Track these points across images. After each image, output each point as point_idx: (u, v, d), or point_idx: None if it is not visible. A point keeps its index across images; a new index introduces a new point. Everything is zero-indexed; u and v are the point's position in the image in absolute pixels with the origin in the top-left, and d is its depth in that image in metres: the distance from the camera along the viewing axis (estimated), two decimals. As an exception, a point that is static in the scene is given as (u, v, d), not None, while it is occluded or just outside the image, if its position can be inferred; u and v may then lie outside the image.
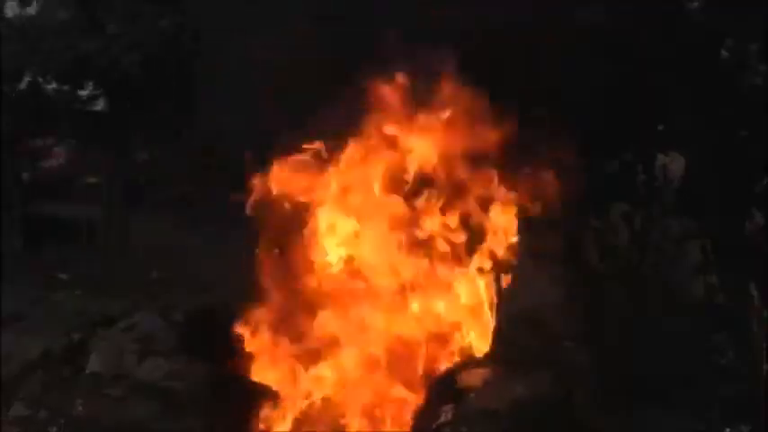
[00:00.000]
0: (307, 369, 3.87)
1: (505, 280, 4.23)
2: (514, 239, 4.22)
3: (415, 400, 3.71)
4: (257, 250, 3.89)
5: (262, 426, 3.88)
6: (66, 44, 5.72)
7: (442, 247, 3.92)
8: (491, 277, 4.19)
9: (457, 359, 3.80)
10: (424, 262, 3.91)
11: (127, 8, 5.72)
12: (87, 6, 5.90)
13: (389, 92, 3.78)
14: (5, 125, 5.91)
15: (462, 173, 3.88)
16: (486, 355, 3.73)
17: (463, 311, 3.98)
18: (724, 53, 3.92)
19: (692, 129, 4.00)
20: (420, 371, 3.77)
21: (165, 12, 5.64)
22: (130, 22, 5.63)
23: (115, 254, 5.85)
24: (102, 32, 5.67)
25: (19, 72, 5.92)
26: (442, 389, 3.59)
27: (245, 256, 4.02)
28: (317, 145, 3.86)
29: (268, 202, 3.84)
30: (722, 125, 3.94)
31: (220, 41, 4.25)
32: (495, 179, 3.91)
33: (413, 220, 3.89)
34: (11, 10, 6.24)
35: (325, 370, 3.86)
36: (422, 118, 3.81)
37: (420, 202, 3.88)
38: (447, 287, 3.97)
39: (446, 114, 3.79)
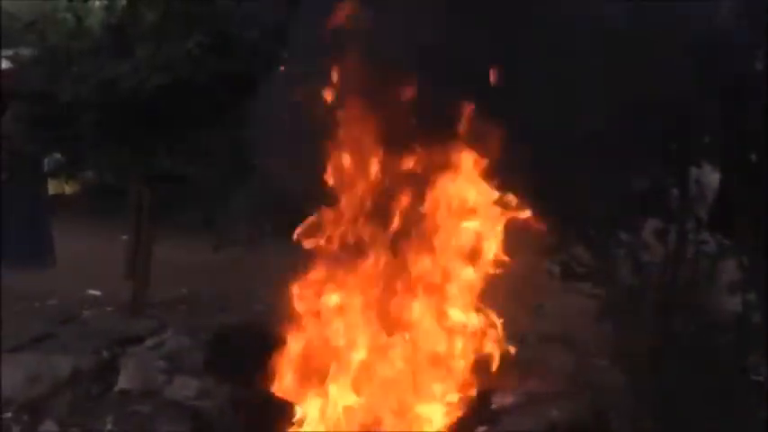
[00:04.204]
0: (334, 389, 3.82)
1: (536, 299, 4.19)
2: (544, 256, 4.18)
3: (446, 421, 3.65)
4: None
5: (290, 446, 3.84)
6: (94, 67, 5.79)
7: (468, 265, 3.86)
8: (521, 296, 4.13)
9: (490, 379, 3.74)
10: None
11: (153, 30, 5.78)
12: (115, 29, 5.98)
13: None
14: (33, 145, 5.98)
15: (490, 188, 3.80)
16: (520, 376, 3.67)
17: (494, 330, 3.91)
18: (757, 64, 3.86)
19: (725, 142, 3.94)
20: (452, 392, 3.71)
21: (190, 33, 5.70)
22: (156, 43, 5.69)
23: (143, 272, 5.88)
24: (130, 55, 5.73)
25: (49, 93, 5.99)
26: (476, 410, 3.53)
27: (272, 273, 4.00)
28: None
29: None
30: (757, 138, 3.87)
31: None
32: (524, 195, 3.84)
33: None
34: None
35: (353, 389, 3.81)
36: None
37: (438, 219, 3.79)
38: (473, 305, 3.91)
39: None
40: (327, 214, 3.79)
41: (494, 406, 3.58)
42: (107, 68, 5.65)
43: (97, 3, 6.67)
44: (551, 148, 3.62)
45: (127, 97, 5.55)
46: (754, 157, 4.04)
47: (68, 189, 9.27)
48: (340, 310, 3.83)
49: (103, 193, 8.65)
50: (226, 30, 5.61)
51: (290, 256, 3.87)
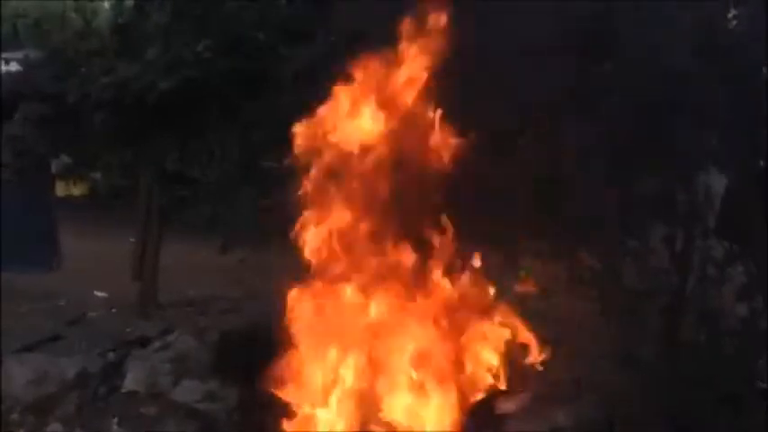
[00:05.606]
0: (340, 391, 3.82)
1: (541, 303, 4.17)
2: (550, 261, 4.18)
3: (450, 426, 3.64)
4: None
5: (296, 448, 3.83)
6: (103, 68, 5.80)
7: (471, 269, 3.85)
8: (527, 301, 4.12)
9: (494, 385, 3.73)
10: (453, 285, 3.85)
11: (161, 32, 5.79)
12: (123, 31, 6.00)
13: None
14: (41, 146, 6.01)
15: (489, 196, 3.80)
16: (525, 381, 3.67)
17: (498, 336, 3.91)
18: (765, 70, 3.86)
19: (733, 146, 3.93)
20: (456, 397, 3.70)
21: (199, 35, 5.71)
22: (165, 45, 5.70)
23: (150, 274, 5.89)
24: (139, 57, 5.74)
25: (58, 95, 6.02)
26: (480, 415, 3.53)
27: (279, 275, 4.00)
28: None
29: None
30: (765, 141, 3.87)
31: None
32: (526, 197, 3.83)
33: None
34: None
35: (358, 391, 3.81)
36: None
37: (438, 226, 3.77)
38: (479, 309, 3.91)
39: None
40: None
41: (499, 410, 3.56)
42: (115, 70, 5.66)
43: (105, 4, 6.69)
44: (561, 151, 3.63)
45: (136, 98, 5.56)
46: (762, 162, 4.03)
47: (76, 191, 9.30)
48: (344, 309, 3.83)
49: (111, 195, 8.69)
50: (235, 31, 5.62)
51: (296, 256, 3.86)
